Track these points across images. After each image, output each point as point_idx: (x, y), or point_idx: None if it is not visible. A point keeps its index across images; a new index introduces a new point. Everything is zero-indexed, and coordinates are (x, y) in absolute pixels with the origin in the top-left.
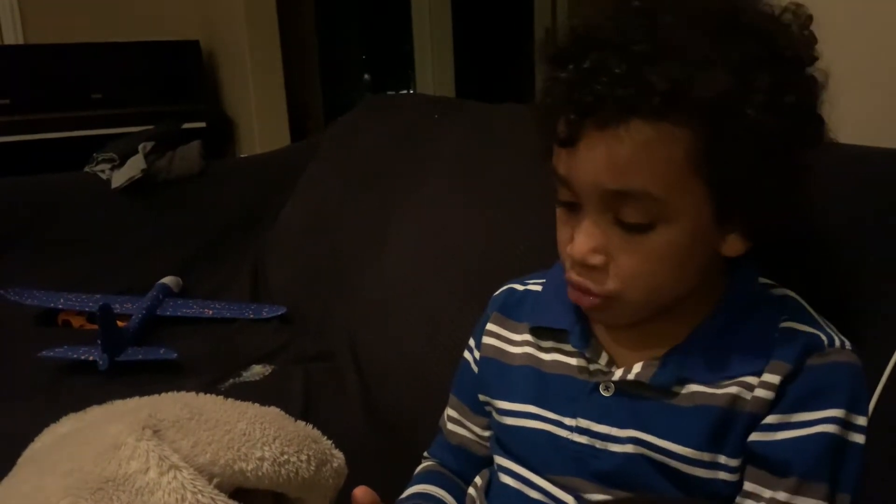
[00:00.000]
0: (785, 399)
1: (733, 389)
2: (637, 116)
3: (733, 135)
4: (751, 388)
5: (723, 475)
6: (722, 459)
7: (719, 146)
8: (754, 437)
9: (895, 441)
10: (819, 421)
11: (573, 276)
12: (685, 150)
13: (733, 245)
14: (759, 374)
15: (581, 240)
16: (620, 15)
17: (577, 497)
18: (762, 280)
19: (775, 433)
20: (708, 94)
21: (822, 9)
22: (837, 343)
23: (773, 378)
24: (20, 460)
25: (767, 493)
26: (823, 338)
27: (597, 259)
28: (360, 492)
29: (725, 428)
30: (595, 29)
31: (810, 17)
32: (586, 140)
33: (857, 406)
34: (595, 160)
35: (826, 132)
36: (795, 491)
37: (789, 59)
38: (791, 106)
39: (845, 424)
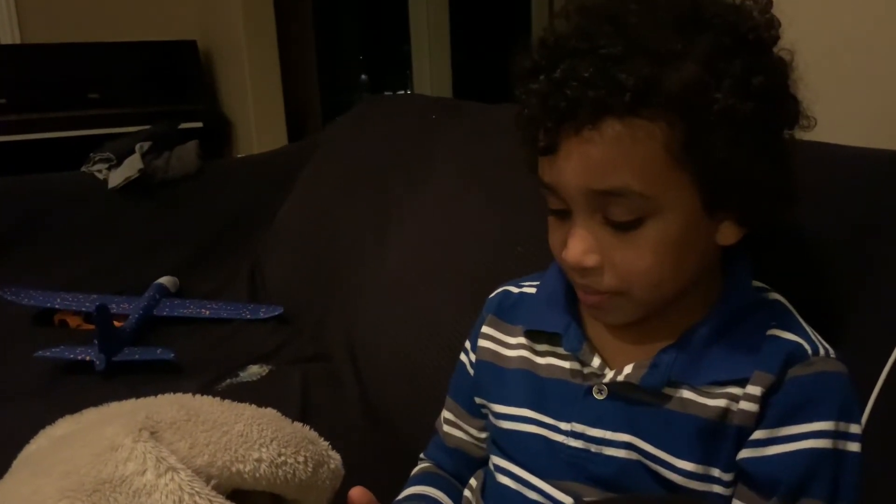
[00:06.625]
0: (771, 412)
1: (722, 402)
2: (611, 115)
3: (708, 124)
4: (737, 399)
5: (717, 489)
6: (715, 473)
7: (696, 137)
8: (744, 453)
9: (891, 443)
10: (807, 435)
11: (576, 278)
12: (663, 144)
13: (727, 233)
14: (743, 385)
15: (574, 244)
16: (587, 22)
17: (576, 499)
18: (756, 284)
19: (765, 448)
20: (677, 86)
21: (824, 11)
22: (822, 352)
23: (755, 390)
24: (15, 462)
25: None
26: (806, 347)
27: (592, 260)
28: (356, 492)
29: (715, 440)
30: (563, 38)
31: (770, 1)
32: (565, 146)
33: (847, 415)
34: (576, 164)
35: (802, 111)
36: None
37: (752, 42)
38: (760, 88)
39: (836, 436)
